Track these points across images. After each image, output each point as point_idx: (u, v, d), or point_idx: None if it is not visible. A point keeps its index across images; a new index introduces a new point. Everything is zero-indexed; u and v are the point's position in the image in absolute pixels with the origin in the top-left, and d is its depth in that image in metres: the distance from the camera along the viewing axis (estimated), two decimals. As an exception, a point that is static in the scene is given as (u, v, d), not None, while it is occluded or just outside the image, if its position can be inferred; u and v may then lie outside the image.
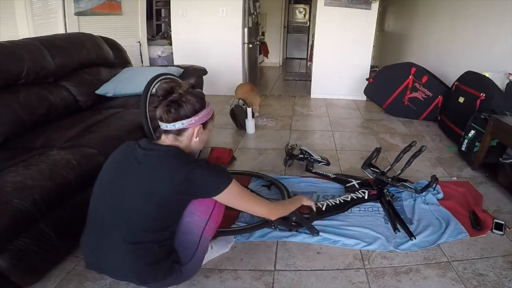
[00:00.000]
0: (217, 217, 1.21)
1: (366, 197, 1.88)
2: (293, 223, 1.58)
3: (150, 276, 1.09)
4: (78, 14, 3.58)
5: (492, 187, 2.16)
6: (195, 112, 1.12)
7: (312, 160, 2.28)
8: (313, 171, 2.25)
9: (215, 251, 1.48)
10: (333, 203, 1.79)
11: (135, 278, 1.11)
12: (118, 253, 1.07)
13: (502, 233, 1.66)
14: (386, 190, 1.94)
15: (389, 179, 1.89)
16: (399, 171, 1.91)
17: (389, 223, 1.72)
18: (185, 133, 1.14)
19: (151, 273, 1.08)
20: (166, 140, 1.14)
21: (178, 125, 1.10)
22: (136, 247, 1.06)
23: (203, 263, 1.40)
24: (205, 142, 1.25)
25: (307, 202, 1.53)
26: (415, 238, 1.58)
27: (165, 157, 1.08)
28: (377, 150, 2.02)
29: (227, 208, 1.67)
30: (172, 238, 1.13)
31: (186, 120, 1.11)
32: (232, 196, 1.13)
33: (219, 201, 1.14)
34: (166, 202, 1.06)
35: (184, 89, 1.12)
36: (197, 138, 1.16)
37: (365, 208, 1.86)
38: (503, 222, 1.70)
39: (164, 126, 1.12)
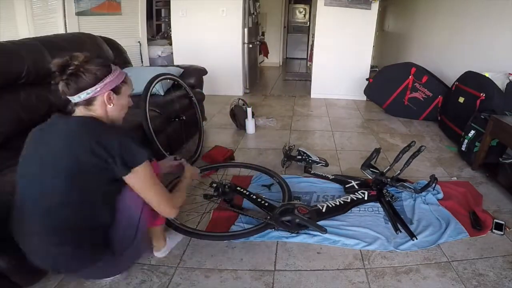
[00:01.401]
0: (148, 213, 1.16)
1: (366, 198, 1.88)
2: (296, 226, 1.57)
3: (75, 264, 1.06)
4: (78, 14, 3.58)
5: (492, 187, 2.16)
6: (98, 80, 1.05)
7: (310, 161, 2.27)
8: (311, 172, 2.25)
9: (172, 241, 1.51)
10: (333, 205, 1.78)
11: (48, 264, 1.08)
12: (36, 236, 1.03)
13: (502, 233, 1.66)
14: (385, 191, 1.94)
15: (388, 180, 1.89)
16: (398, 171, 1.91)
17: (389, 223, 1.72)
18: (95, 102, 1.07)
19: (77, 261, 1.05)
20: (78, 112, 1.09)
21: (83, 95, 1.04)
22: (52, 231, 1.01)
23: (163, 255, 1.46)
24: (126, 107, 1.19)
25: (190, 176, 1.44)
26: (416, 239, 1.58)
27: (74, 125, 1.04)
28: (377, 151, 2.02)
29: (225, 209, 1.67)
30: (97, 227, 1.06)
31: (90, 89, 1.04)
32: (144, 175, 1.05)
33: (128, 182, 1.05)
34: (75, 172, 0.99)
35: (80, 60, 1.02)
36: (112, 105, 1.10)
37: (365, 208, 1.86)
38: (503, 222, 1.70)
39: (71, 99, 1.06)
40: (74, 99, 1.05)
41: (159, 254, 1.45)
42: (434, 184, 1.79)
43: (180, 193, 1.30)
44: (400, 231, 1.64)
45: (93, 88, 1.04)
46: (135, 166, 1.03)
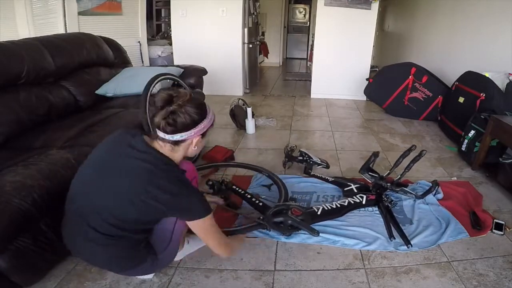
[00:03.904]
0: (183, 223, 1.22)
1: (364, 202, 1.85)
2: (289, 227, 1.57)
3: (119, 268, 1.17)
4: (79, 14, 3.58)
5: (492, 187, 2.16)
6: (194, 124, 1.09)
7: (311, 162, 2.26)
8: (311, 173, 2.24)
9: (192, 245, 1.50)
10: (329, 207, 1.76)
11: (106, 266, 1.20)
12: (92, 242, 1.09)
13: (502, 233, 1.66)
14: (384, 196, 1.89)
15: (388, 184, 1.86)
16: (399, 176, 1.89)
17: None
18: (183, 144, 1.12)
19: (123, 264, 1.15)
20: (161, 147, 1.11)
21: (176, 137, 1.08)
22: (109, 241, 1.08)
23: (180, 258, 1.45)
24: (201, 147, 1.24)
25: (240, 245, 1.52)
26: (411, 246, 1.56)
27: (155, 170, 1.04)
28: (375, 155, 1.96)
29: (224, 210, 1.68)
30: (148, 234, 1.17)
31: (186, 132, 1.08)
32: (203, 226, 1.14)
33: (189, 225, 1.15)
34: (144, 210, 1.05)
35: (183, 100, 1.06)
36: (196, 147, 1.16)
37: (365, 208, 1.85)
38: (503, 222, 1.71)
39: (162, 135, 1.09)
40: (167, 137, 1.07)
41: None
42: (435, 190, 1.78)
43: (238, 243, 1.45)
44: (394, 238, 1.60)
45: (188, 133, 1.08)
46: (195, 219, 1.10)
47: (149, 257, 1.17)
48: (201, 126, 1.11)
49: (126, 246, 1.12)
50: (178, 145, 1.11)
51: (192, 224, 1.13)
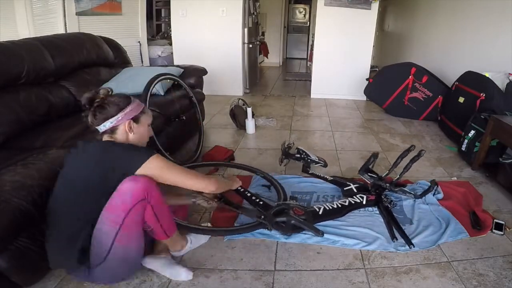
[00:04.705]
0: (130, 228, 1.16)
1: (364, 202, 1.85)
2: (291, 227, 1.56)
3: (65, 260, 1.18)
4: (79, 14, 3.58)
5: (492, 187, 2.16)
6: (120, 110, 1.21)
7: (309, 160, 2.24)
8: (310, 172, 2.22)
9: (194, 243, 1.51)
10: (331, 207, 1.75)
11: (57, 262, 1.22)
12: (53, 238, 1.17)
13: (502, 233, 1.66)
14: (384, 196, 1.89)
15: (387, 185, 1.85)
16: (398, 176, 1.88)
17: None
18: (117, 130, 1.23)
19: (66, 257, 1.16)
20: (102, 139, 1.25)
21: (107, 124, 1.20)
22: (62, 231, 1.15)
23: (184, 254, 1.46)
24: (146, 135, 1.33)
25: (235, 186, 1.64)
26: (413, 246, 1.55)
27: (91, 146, 1.19)
28: (374, 156, 1.95)
29: (225, 210, 1.64)
30: (90, 234, 1.16)
31: (113, 118, 1.20)
32: (158, 166, 1.17)
33: (146, 173, 1.15)
34: (90, 183, 1.13)
35: (104, 94, 1.22)
36: (133, 133, 1.24)
37: (365, 208, 1.85)
38: (503, 222, 1.71)
39: (98, 128, 1.22)
40: (100, 128, 1.21)
41: (175, 253, 1.47)
42: (434, 190, 1.77)
43: (221, 181, 1.46)
44: (397, 239, 1.60)
45: (115, 117, 1.20)
46: (143, 162, 1.14)
47: (84, 264, 1.16)
48: (127, 110, 1.22)
49: (64, 237, 1.15)
50: (114, 133, 1.23)
51: (148, 169, 1.15)
